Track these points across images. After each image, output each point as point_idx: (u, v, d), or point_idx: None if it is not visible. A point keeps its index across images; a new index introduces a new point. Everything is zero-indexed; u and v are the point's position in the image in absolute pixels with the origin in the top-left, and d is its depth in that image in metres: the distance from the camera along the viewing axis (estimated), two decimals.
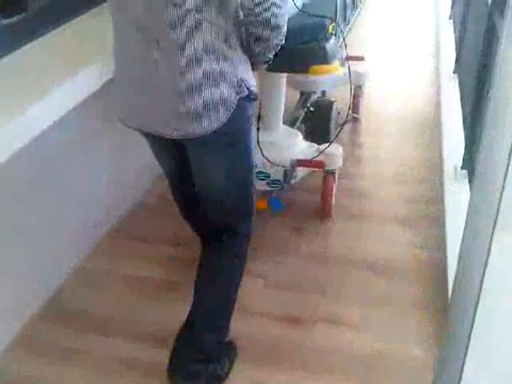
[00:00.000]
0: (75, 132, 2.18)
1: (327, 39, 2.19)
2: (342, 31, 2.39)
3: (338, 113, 2.86)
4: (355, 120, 3.29)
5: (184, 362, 1.69)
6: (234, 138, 1.51)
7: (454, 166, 2.72)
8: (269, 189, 2.47)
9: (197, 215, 1.79)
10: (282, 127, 2.56)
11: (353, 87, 2.83)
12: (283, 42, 1.43)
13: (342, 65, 2.47)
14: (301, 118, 2.78)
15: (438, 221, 2.48)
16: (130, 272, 2.31)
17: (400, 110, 3.64)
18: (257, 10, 1.33)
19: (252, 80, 1.48)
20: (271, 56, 1.48)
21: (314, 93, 2.86)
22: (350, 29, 2.83)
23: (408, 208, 2.65)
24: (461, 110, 3.10)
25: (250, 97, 1.46)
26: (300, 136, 2.58)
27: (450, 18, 4.56)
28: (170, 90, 1.40)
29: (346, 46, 2.26)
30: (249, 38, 1.41)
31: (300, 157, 2.42)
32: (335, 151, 2.47)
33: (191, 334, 1.68)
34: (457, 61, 3.58)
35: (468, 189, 2.49)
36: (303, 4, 1.92)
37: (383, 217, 2.60)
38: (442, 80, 3.65)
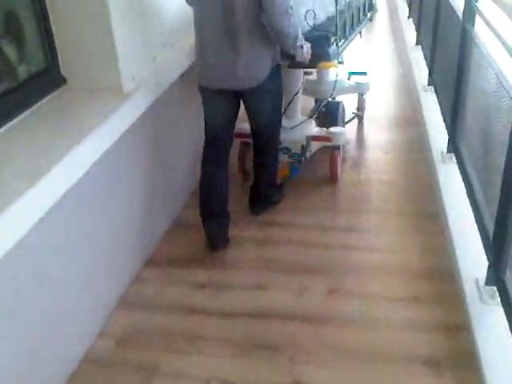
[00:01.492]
0: None
1: (329, 46, 3.02)
2: (341, 42, 3.24)
3: (342, 113, 3.61)
4: (359, 118, 4.02)
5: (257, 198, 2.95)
6: (274, 85, 2.61)
7: (475, 279, 2.21)
8: (290, 160, 3.23)
9: (219, 172, 2.75)
10: (300, 116, 3.34)
11: (358, 95, 3.96)
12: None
13: (349, 79, 3.80)
14: (314, 116, 3.50)
15: (470, 358, 1.95)
16: None
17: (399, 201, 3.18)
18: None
19: (278, 56, 2.59)
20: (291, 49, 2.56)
21: (326, 99, 3.58)
22: (349, 42, 3.52)
23: (429, 341, 2.10)
24: (466, 195, 2.63)
25: (278, 65, 2.61)
26: (313, 122, 3.40)
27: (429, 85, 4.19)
28: (239, 61, 2.45)
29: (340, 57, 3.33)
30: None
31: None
32: (340, 131, 3.31)
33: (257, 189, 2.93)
34: (450, 143, 3.15)
35: (501, 312, 1.99)
36: (314, 24, 2.88)
37: (400, 357, 2.04)
38: (436, 163, 3.19)
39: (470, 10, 2.80)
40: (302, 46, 2.57)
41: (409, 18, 6.03)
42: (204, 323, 2.23)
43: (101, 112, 2.18)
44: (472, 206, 2.52)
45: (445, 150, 3.21)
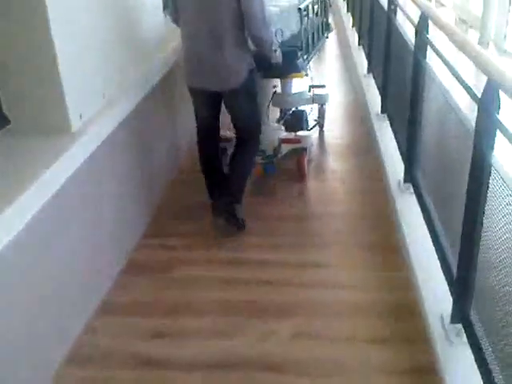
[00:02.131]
0: None
1: (297, 59, 3.56)
2: (306, 57, 3.81)
3: (306, 120, 4.15)
4: (320, 125, 4.47)
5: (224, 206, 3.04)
6: (248, 88, 2.97)
7: (440, 317, 2.16)
8: (263, 161, 3.56)
9: (212, 151, 3.22)
10: (269, 122, 3.82)
11: (318, 105, 4.39)
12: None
13: (309, 90, 4.15)
14: (281, 123, 3.97)
15: None
16: None
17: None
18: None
19: (253, 63, 2.99)
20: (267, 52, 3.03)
21: (290, 109, 4.09)
22: (312, 57, 4.07)
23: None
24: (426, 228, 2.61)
25: (253, 69, 3.00)
26: (282, 127, 3.86)
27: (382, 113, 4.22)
28: (221, 63, 2.86)
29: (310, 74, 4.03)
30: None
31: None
32: (307, 134, 3.82)
33: (228, 191, 3.06)
34: (406, 173, 3.15)
35: (469, 350, 1.94)
36: (282, 41, 3.33)
37: None
38: (394, 193, 3.18)
39: (422, 42, 2.82)
40: (275, 50, 3.09)
41: (359, 45, 6.13)
42: (163, 377, 2.09)
43: (46, 155, 2.06)
44: (433, 239, 2.49)
45: (402, 179, 3.20)
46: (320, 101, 4.25)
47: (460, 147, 2.16)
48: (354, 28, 7.05)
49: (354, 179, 3.75)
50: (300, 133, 3.75)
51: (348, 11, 8.09)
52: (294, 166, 3.66)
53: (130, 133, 2.86)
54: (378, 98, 4.34)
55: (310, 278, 2.68)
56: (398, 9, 3.76)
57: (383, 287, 2.57)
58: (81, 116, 2.29)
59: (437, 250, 2.41)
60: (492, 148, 1.77)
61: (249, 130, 3.14)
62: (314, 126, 4.30)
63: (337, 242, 3.00)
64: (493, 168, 1.76)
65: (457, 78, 2.05)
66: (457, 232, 2.10)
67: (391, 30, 3.84)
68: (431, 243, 2.50)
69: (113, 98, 2.60)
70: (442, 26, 2.38)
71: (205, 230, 3.04)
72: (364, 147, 4.17)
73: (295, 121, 3.98)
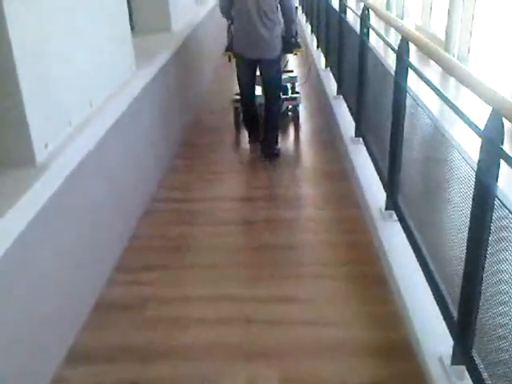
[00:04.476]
0: None
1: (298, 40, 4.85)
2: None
3: (287, 90, 5.26)
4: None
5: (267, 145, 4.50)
6: (279, 58, 4.35)
7: (439, 357, 2.02)
8: None
9: (252, 105, 4.58)
10: None
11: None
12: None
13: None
14: None
15: None
16: None
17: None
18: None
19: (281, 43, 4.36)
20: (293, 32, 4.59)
21: None
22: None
23: None
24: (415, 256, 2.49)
25: (281, 48, 4.36)
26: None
27: (355, 135, 4.13)
28: (265, 38, 4.15)
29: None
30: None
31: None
32: (298, 95, 5.20)
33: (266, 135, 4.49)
34: (388, 199, 3.04)
35: None
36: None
37: None
38: (375, 221, 3.07)
39: (403, 66, 2.73)
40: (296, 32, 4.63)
41: (326, 67, 6.08)
42: None
43: (7, 194, 1.83)
44: (424, 271, 2.36)
45: (383, 206, 3.09)
46: (292, 80, 5.47)
47: (453, 175, 2.06)
48: (319, 49, 7.03)
49: (330, 206, 3.62)
50: (294, 94, 5.17)
51: (312, 33, 8.10)
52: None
53: (99, 163, 2.66)
54: (351, 121, 4.26)
55: (293, 314, 2.50)
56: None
57: (372, 324, 2.42)
58: (46, 145, 2.08)
59: (430, 283, 2.28)
60: (496, 179, 1.67)
61: (275, 89, 4.41)
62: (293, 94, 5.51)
63: (315, 273, 2.84)
64: (497, 199, 1.66)
65: (455, 111, 1.93)
66: (452, 264, 1.99)
67: (365, 54, 3.77)
68: (421, 274, 2.38)
69: (81, 124, 2.41)
70: (431, 55, 2.30)
71: (180, 265, 2.86)
72: (338, 172, 4.07)
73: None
